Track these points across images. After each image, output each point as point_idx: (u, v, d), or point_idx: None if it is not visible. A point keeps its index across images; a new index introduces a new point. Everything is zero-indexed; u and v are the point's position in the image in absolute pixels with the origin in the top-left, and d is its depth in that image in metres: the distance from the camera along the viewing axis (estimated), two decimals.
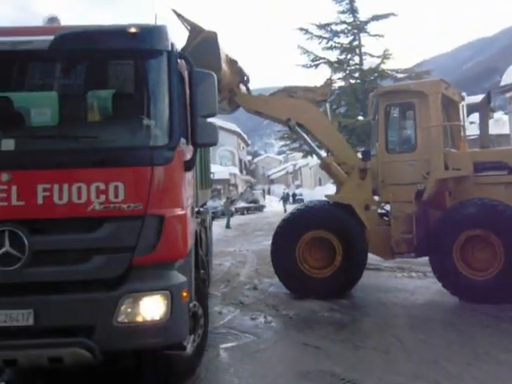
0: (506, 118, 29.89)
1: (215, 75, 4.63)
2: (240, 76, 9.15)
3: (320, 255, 8.83)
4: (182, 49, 6.97)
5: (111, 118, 4.59)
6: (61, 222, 4.02)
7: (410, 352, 5.89)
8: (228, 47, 8.35)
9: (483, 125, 9.94)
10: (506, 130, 26.91)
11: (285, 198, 44.15)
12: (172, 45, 4.40)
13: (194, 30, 7.88)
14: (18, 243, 3.92)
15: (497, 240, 7.87)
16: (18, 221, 3.95)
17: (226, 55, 8.30)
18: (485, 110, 10.18)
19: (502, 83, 27.26)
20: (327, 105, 10.54)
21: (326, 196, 9.58)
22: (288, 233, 8.90)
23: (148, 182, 4.06)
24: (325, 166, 9.59)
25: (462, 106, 10.10)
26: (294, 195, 52.13)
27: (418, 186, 8.65)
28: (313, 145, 9.99)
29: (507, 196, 8.34)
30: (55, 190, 3.97)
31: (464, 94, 11.60)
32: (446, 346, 6.04)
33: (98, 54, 4.47)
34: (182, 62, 4.62)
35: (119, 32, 4.28)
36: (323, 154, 10.12)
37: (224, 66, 7.90)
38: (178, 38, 5.19)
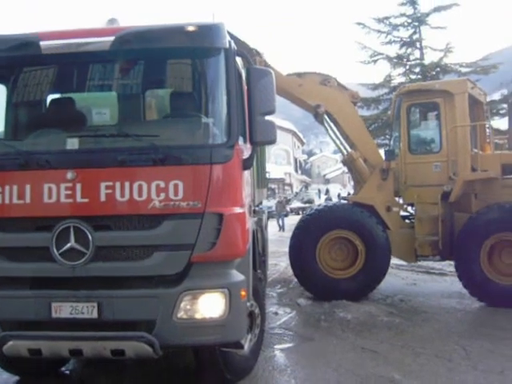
0: None
1: (273, 72, 4.53)
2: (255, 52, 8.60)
3: (341, 256, 8.73)
4: None
5: (170, 117, 4.66)
6: (122, 218, 4.11)
7: (475, 361, 5.66)
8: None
9: None
10: None
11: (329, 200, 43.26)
12: (230, 42, 4.35)
13: None
14: (83, 239, 4.02)
15: None
16: (82, 217, 4.05)
17: None
18: None
19: None
20: (355, 108, 10.17)
21: (345, 198, 9.39)
22: (307, 233, 8.70)
23: (207, 180, 4.05)
24: (350, 160, 9.31)
25: (486, 106, 9.79)
26: (349, 195, 50.88)
27: (444, 187, 8.47)
28: (339, 137, 9.50)
29: None
30: (117, 188, 4.04)
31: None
32: None
33: (157, 53, 4.49)
34: (239, 60, 4.60)
35: (178, 30, 4.27)
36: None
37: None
38: None
